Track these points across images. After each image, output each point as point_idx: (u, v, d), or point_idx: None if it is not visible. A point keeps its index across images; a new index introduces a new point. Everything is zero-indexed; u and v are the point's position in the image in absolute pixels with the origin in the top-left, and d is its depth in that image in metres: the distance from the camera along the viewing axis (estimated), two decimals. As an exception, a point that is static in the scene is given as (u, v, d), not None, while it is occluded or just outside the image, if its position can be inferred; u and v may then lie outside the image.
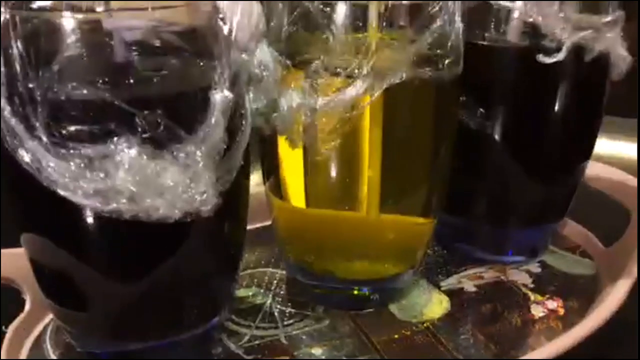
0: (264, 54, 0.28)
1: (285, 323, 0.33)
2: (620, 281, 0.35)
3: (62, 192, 0.23)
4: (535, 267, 0.40)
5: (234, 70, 0.25)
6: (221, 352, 0.31)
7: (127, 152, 0.22)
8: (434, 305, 0.36)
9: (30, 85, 0.22)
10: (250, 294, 0.36)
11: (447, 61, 0.30)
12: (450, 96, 0.32)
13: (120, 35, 0.24)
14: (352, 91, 0.29)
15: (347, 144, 0.31)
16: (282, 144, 0.31)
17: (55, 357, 0.30)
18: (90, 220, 0.24)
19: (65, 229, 0.25)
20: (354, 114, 0.29)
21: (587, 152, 0.38)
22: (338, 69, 0.29)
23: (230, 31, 0.25)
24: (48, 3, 0.23)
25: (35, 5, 0.23)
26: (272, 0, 0.30)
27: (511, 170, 0.37)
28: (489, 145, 0.37)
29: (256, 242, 0.40)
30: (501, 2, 0.33)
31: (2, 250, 0.31)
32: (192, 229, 0.25)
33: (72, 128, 0.22)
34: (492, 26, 0.34)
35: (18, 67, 0.22)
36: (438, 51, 0.29)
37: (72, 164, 0.22)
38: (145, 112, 0.22)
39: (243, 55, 0.26)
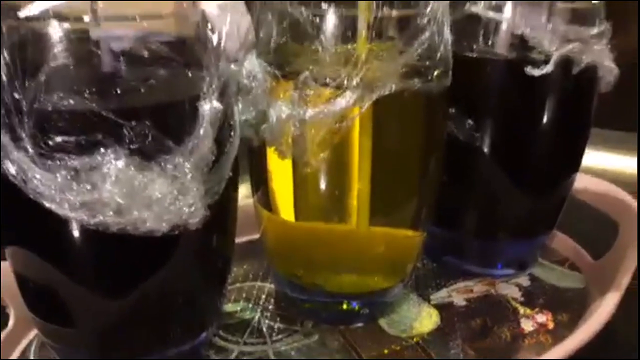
0: (253, 64, 0.28)
1: (274, 338, 0.33)
2: (609, 294, 0.35)
3: (48, 205, 0.22)
4: (524, 280, 0.39)
5: (222, 80, 0.25)
6: (209, 368, 0.31)
7: (114, 163, 0.22)
8: (423, 319, 0.35)
9: (17, 96, 0.22)
10: (239, 308, 0.35)
11: (435, 73, 0.30)
12: (439, 108, 0.32)
13: (107, 45, 0.23)
14: (341, 102, 0.28)
15: (337, 156, 0.31)
16: (271, 155, 0.31)
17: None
18: (76, 233, 0.23)
19: (51, 242, 0.24)
20: (344, 125, 0.29)
21: (575, 164, 0.38)
22: (327, 80, 0.29)
23: (220, 41, 0.24)
24: (35, 12, 0.23)
25: (22, 14, 0.22)
26: (261, 11, 0.30)
27: (500, 182, 0.37)
28: (477, 158, 0.36)
29: (244, 256, 0.39)
30: (490, 14, 0.33)
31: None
32: (179, 242, 0.25)
33: (59, 139, 0.22)
34: (481, 38, 0.34)
35: (4, 77, 0.22)
36: (427, 63, 0.29)
37: (58, 175, 0.22)
38: (133, 123, 0.22)
39: (232, 66, 0.26)
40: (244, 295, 0.37)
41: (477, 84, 0.35)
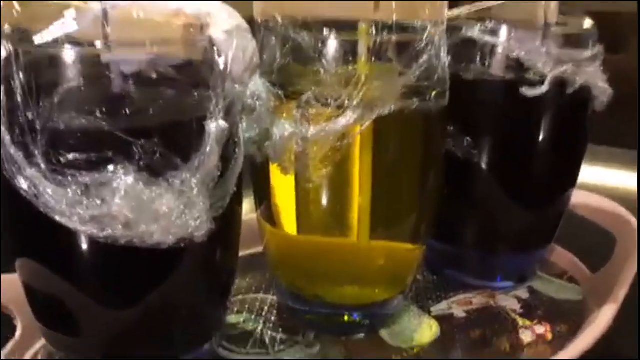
0: (257, 85, 0.29)
1: (277, 349, 0.34)
2: (607, 306, 0.36)
3: (59, 218, 0.23)
4: (523, 293, 0.40)
5: (228, 101, 0.26)
6: (213, 378, 0.32)
7: (123, 179, 0.23)
8: (424, 330, 0.36)
9: (31, 115, 0.23)
10: (242, 320, 0.36)
11: (433, 93, 0.31)
12: (437, 126, 0.34)
13: (118, 68, 0.24)
14: (342, 121, 0.29)
15: (338, 172, 0.32)
16: (274, 171, 0.32)
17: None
18: (85, 246, 0.25)
19: (61, 254, 0.25)
20: (345, 143, 0.30)
21: (572, 180, 0.39)
22: (329, 100, 0.30)
23: (226, 64, 0.26)
24: (49, 38, 0.24)
25: (37, 40, 0.23)
26: (266, 35, 0.31)
27: (498, 198, 0.38)
28: (476, 174, 0.38)
29: (247, 269, 0.40)
30: (485, 38, 0.34)
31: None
32: (185, 254, 0.26)
33: (70, 156, 0.23)
34: (478, 60, 0.36)
35: (19, 98, 0.23)
36: (425, 84, 0.30)
37: (69, 190, 0.23)
38: (142, 141, 0.23)
39: (237, 87, 0.27)
40: (247, 306, 0.38)
41: (475, 104, 0.36)
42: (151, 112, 0.24)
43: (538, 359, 0.34)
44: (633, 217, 0.42)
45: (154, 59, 0.25)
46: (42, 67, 0.24)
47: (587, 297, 0.40)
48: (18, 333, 0.33)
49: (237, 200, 0.28)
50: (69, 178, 0.23)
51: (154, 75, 0.25)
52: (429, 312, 0.38)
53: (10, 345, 0.32)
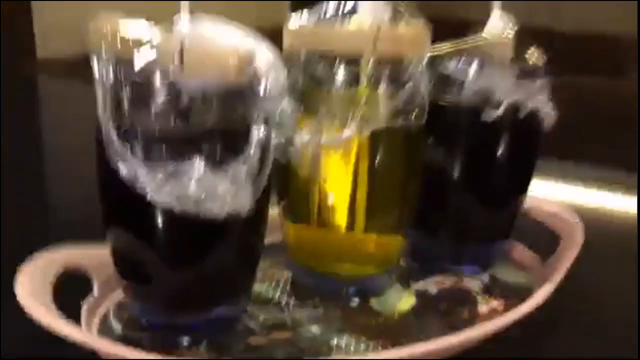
0: (285, 103, 0.39)
1: (290, 310, 0.43)
2: (547, 285, 0.45)
3: (148, 195, 0.33)
4: (486, 277, 0.50)
5: (265, 115, 0.36)
6: (243, 329, 0.41)
7: (195, 168, 0.33)
8: (404, 301, 0.46)
9: (132, 119, 0.32)
10: (263, 289, 0.46)
11: (415, 114, 0.41)
12: (418, 140, 0.43)
13: (189, 89, 0.34)
14: (346, 132, 0.39)
15: (342, 172, 0.41)
16: (294, 172, 0.42)
17: (119, 329, 0.40)
18: (164, 217, 0.34)
19: (145, 223, 0.35)
20: (347, 150, 0.40)
21: (525, 185, 0.49)
22: (337, 116, 0.40)
23: (265, 88, 0.35)
24: (142, 64, 0.33)
25: (137, 65, 0.33)
26: (291, 66, 0.41)
27: (466, 199, 0.48)
28: (449, 179, 0.47)
29: (266, 254, 0.49)
30: (457, 73, 0.44)
31: (76, 249, 0.41)
32: (233, 225, 0.35)
33: (159, 150, 0.32)
34: (452, 89, 0.45)
35: (125, 107, 0.32)
36: (409, 106, 0.40)
37: (158, 175, 0.32)
38: (208, 141, 0.33)
39: (271, 105, 0.37)
40: (267, 280, 0.47)
41: (448, 124, 0.46)
42: (213, 121, 0.34)
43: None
44: (575, 218, 0.52)
45: (216, 82, 0.34)
46: (137, 84, 0.33)
47: (535, 282, 0.49)
48: (95, 291, 0.42)
49: (268, 189, 0.37)
50: (158, 166, 0.32)
51: (215, 94, 0.34)
52: (409, 289, 0.47)
53: (89, 300, 0.41)
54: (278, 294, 0.45)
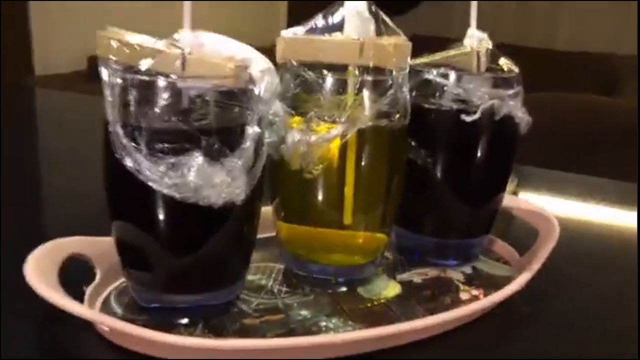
0: (277, 106, 0.43)
1: (282, 296, 0.47)
2: (523, 275, 0.49)
3: (151, 185, 0.37)
4: (468, 269, 0.53)
5: (259, 115, 0.40)
6: (237, 311, 0.44)
7: (194, 161, 0.37)
8: (389, 289, 0.49)
9: (137, 118, 0.37)
10: (257, 278, 0.49)
11: (397, 116, 0.45)
12: (400, 139, 0.47)
13: (189, 91, 0.38)
14: (333, 132, 0.43)
15: (329, 168, 0.45)
16: (285, 166, 0.46)
17: (120, 311, 0.44)
18: (166, 204, 0.38)
19: (148, 211, 0.39)
20: (334, 148, 0.44)
21: (502, 184, 0.53)
22: (325, 118, 0.44)
23: (259, 92, 0.39)
24: (144, 68, 0.37)
25: (143, 67, 0.37)
26: (283, 72, 0.45)
27: (448, 196, 0.52)
28: (431, 178, 0.51)
29: (261, 246, 0.53)
30: (438, 79, 0.48)
31: (79, 238, 0.45)
32: (229, 213, 0.39)
33: (162, 145, 0.37)
34: (434, 94, 0.49)
35: (132, 107, 0.37)
36: (391, 109, 0.44)
37: (160, 167, 0.36)
38: (206, 137, 0.37)
39: (265, 107, 0.41)
40: (260, 270, 0.51)
41: (429, 126, 0.50)
42: (212, 119, 0.38)
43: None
44: (552, 216, 0.56)
45: (213, 86, 0.38)
46: (142, 88, 0.37)
47: (514, 274, 0.53)
48: (98, 277, 0.46)
49: (262, 180, 0.41)
50: (160, 159, 0.36)
51: (213, 97, 0.38)
52: (395, 278, 0.51)
53: (92, 285, 0.45)
54: (271, 282, 0.49)
